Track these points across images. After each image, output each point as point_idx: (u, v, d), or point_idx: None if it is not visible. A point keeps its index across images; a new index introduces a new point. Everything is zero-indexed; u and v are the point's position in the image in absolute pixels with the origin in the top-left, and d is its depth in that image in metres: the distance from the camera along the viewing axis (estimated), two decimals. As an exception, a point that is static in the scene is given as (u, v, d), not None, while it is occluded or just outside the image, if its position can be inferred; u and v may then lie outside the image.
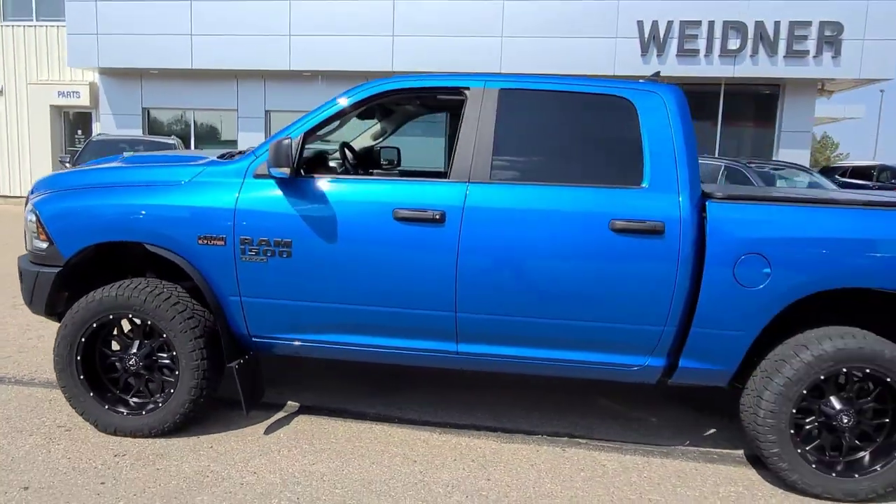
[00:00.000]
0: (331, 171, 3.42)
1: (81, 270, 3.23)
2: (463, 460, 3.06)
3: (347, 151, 3.82)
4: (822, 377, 2.78)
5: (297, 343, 3.14)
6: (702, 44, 12.22)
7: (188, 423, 3.17)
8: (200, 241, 3.02)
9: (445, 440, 3.26)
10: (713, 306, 2.84)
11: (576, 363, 2.99)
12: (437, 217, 2.89)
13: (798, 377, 2.78)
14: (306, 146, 3.06)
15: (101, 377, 3.17)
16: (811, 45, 12.04)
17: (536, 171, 3.01)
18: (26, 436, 3.11)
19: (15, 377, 3.88)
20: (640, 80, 3.11)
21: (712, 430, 3.54)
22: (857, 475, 2.84)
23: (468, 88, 3.05)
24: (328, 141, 3.83)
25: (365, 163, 4.33)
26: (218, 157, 3.30)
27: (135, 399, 3.18)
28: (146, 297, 3.01)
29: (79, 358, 3.09)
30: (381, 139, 4.44)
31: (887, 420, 2.84)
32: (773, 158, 12.89)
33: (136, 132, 15.35)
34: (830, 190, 8.64)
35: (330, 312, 3.05)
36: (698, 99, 13.39)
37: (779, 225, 2.81)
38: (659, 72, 3.37)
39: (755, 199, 2.92)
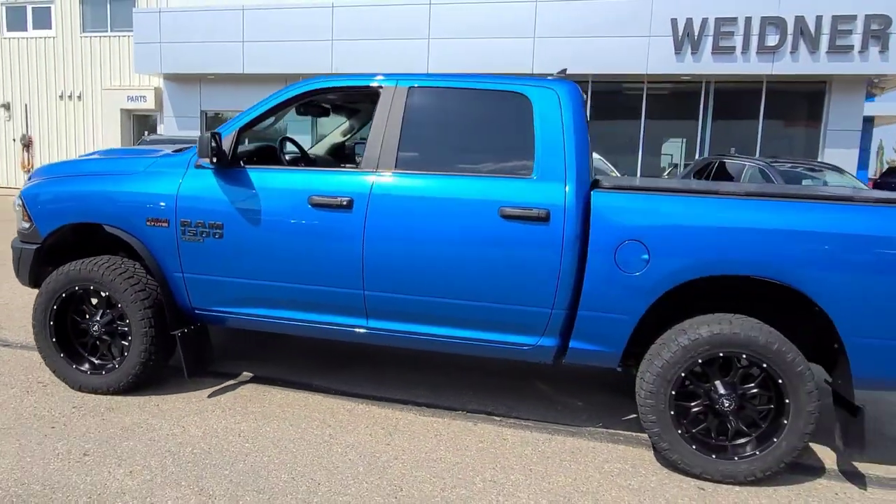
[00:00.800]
0: (276, 162, 3.78)
1: (62, 248, 3.72)
2: (374, 427, 3.33)
3: (291, 144, 4.17)
4: (699, 361, 2.89)
5: (231, 316, 3.51)
6: (738, 41, 11.91)
7: (143, 385, 3.59)
8: (148, 223, 3.44)
9: (368, 410, 3.55)
10: (597, 290, 3.00)
11: (473, 341, 3.21)
12: (345, 203, 3.18)
13: (675, 360, 2.90)
14: (243, 139, 3.44)
15: (71, 341, 3.65)
16: (856, 39, 11.51)
17: (438, 162, 3.25)
18: (8, 388, 3.62)
19: (20, 343, 4.46)
20: (548, 77, 3.30)
21: (632, 416, 3.66)
22: (736, 458, 2.93)
23: (381, 87, 3.33)
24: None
25: (336, 156, 4.70)
26: (173, 151, 3.73)
27: (98, 360, 3.63)
28: (104, 272, 3.45)
29: (51, 323, 3.57)
30: (349, 135, 4.79)
31: (770, 406, 2.92)
32: (819, 159, 12.39)
33: (195, 133, 16.40)
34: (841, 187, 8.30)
35: (257, 288, 3.39)
36: (736, 97, 13.07)
37: (656, 214, 2.94)
38: (565, 69, 3.52)
39: (637, 189, 3.05)
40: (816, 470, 3.12)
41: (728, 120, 13.11)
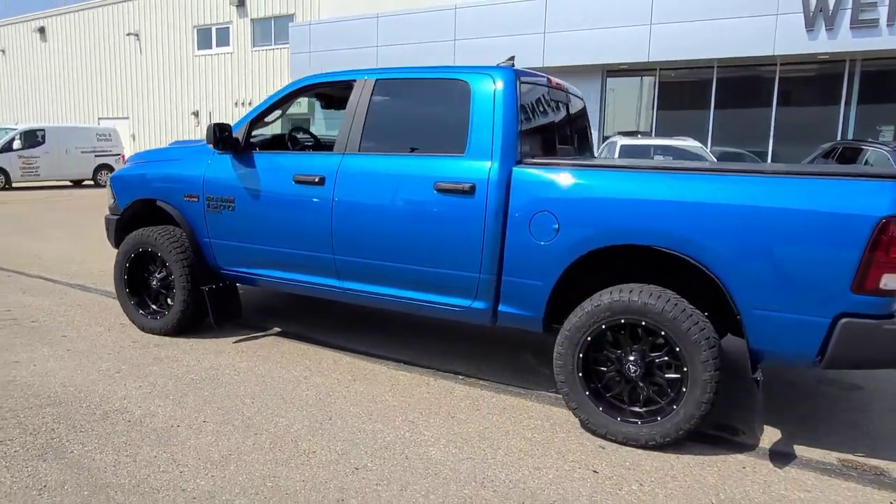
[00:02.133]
0: (286, 149, 4.46)
1: (138, 219, 4.73)
2: (345, 374, 3.87)
3: (303, 134, 4.82)
4: (603, 326, 3.05)
5: (244, 275, 4.25)
6: (882, 12, 10.55)
7: (186, 330, 4.45)
8: (185, 198, 4.30)
9: (351, 362, 4.10)
10: (516, 258, 3.26)
11: (421, 302, 3.61)
12: (317, 180, 3.76)
13: (580, 324, 3.09)
14: (255, 130, 4.16)
15: (140, 292, 4.64)
16: None
17: (392, 144, 3.69)
18: (96, 325, 4.71)
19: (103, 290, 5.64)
20: (497, 66, 3.60)
21: (592, 386, 3.81)
22: (639, 422, 3.04)
23: (355, 80, 3.85)
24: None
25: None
26: (211, 140, 4.58)
27: (156, 308, 4.59)
28: (157, 237, 4.37)
29: (125, 277, 4.59)
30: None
31: (673, 374, 2.98)
32: None
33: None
34: None
35: (257, 252, 4.10)
36: (878, 78, 11.56)
37: (563, 186, 3.13)
38: (513, 56, 3.74)
39: (552, 165, 3.24)
40: (742, 446, 3.10)
41: (878, 104, 11.61)
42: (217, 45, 21.36)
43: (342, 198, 3.69)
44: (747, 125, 13.15)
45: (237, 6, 20.66)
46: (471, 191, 3.31)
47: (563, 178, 3.16)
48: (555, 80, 3.95)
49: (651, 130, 14.19)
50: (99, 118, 25.31)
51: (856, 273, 2.60)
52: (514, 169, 3.27)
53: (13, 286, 5.90)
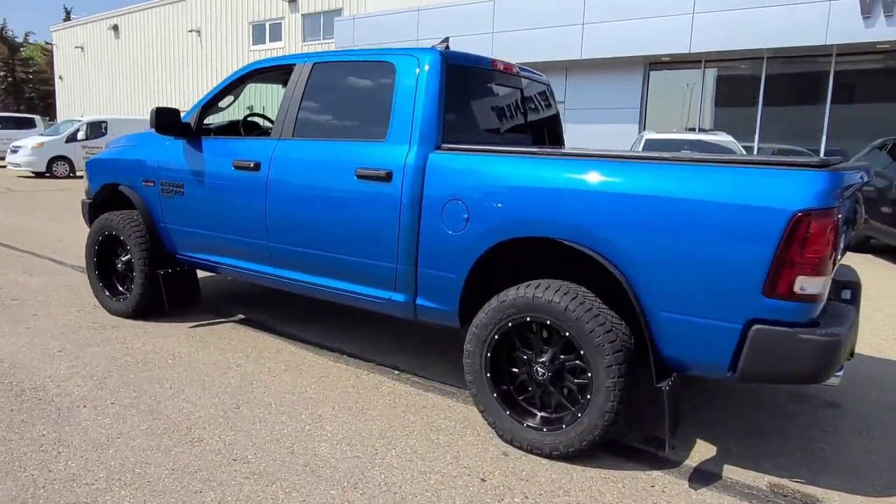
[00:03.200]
0: (237, 134, 4.43)
1: (111, 203, 4.82)
2: (279, 363, 3.81)
3: (259, 119, 4.77)
4: (510, 324, 2.84)
5: (194, 260, 4.26)
6: (950, -4, 9.57)
7: (147, 313, 4.51)
8: (143, 183, 4.34)
9: (294, 352, 4.03)
10: (430, 248, 3.09)
11: (345, 292, 3.49)
12: (253, 166, 3.69)
13: (487, 321, 2.89)
14: (210, 115, 4.15)
15: (110, 275, 4.73)
16: None
17: (321, 129, 3.58)
18: (67, 305, 4.84)
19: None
20: (426, 47, 3.42)
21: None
22: (545, 429, 2.81)
23: (295, 65, 3.76)
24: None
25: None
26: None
27: (121, 289, 4.67)
28: (119, 221, 4.44)
29: (95, 260, 4.68)
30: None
31: (582, 380, 2.74)
32: None
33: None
34: None
35: (203, 238, 4.09)
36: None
37: (473, 173, 2.93)
38: (448, 37, 3.54)
39: (464, 150, 3.04)
40: (664, 462, 2.82)
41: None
42: (270, 41, 21.92)
43: (274, 184, 3.61)
44: (799, 121, 12.28)
45: (289, 2, 21.15)
46: (387, 177, 3.16)
47: (473, 164, 2.96)
48: (504, 62, 3.74)
49: (696, 128, 13.49)
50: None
51: (767, 274, 2.29)
52: (431, 155, 3.10)
53: (18, 266, 6.17)
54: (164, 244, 4.39)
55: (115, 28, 27.82)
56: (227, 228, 3.93)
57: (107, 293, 4.67)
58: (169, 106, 4.20)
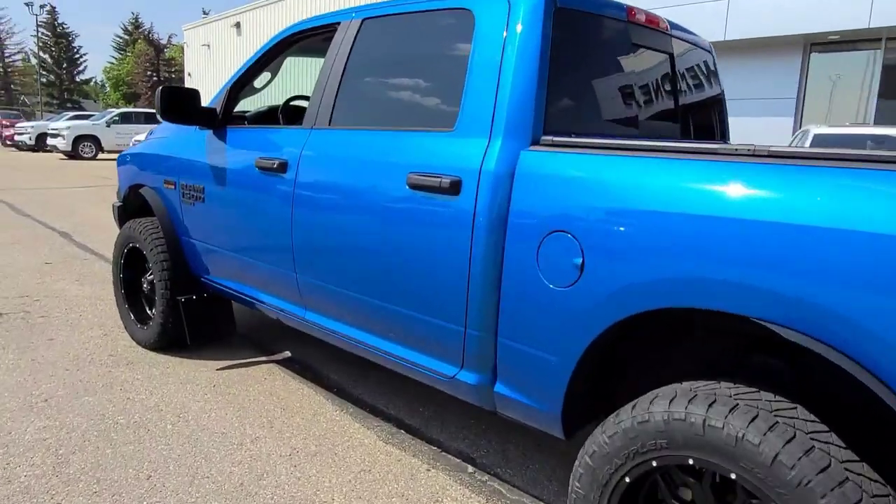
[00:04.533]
0: (274, 123, 3.38)
1: (144, 208, 4.01)
2: (308, 439, 2.74)
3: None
4: (653, 463, 1.56)
5: (217, 286, 3.29)
6: None
7: (170, 346, 3.63)
8: (165, 185, 3.43)
9: (334, 418, 2.95)
10: (517, 308, 1.87)
11: (391, 356, 2.34)
12: (277, 166, 2.63)
13: (611, 450, 1.62)
14: (243, 98, 3.16)
15: (138, 296, 3.90)
16: None
17: (366, 114, 2.45)
18: (97, 329, 4.07)
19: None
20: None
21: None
22: None
23: (338, 24, 2.65)
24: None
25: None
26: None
27: (149, 313, 3.81)
28: (141, 231, 3.58)
29: (121, 276, 3.87)
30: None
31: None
32: None
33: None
34: None
35: (221, 257, 3.12)
36: None
37: (599, 188, 1.67)
38: None
39: (582, 148, 1.77)
40: None
41: None
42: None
43: (302, 193, 2.54)
44: None
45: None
46: (452, 189, 1.97)
47: (596, 172, 1.70)
48: (648, 13, 2.41)
49: (869, 121, 11.13)
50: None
51: None
52: (524, 154, 1.87)
53: (77, 271, 5.61)
54: (188, 263, 3.47)
55: (238, 25, 28.59)
56: (247, 249, 2.92)
57: (132, 317, 3.84)
58: (187, 87, 3.27)
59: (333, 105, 2.51)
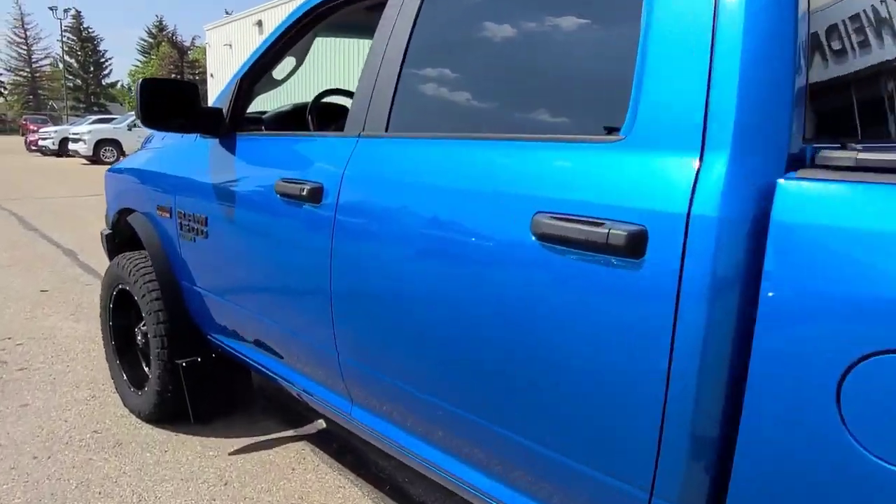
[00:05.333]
0: (303, 127, 2.50)
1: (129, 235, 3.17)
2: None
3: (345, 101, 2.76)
4: None
5: (227, 348, 2.44)
6: None
7: (168, 420, 2.80)
8: (159, 212, 2.59)
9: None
10: (783, 485, 0.96)
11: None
12: (306, 193, 1.75)
13: None
14: (252, 94, 2.30)
15: (133, 350, 3.08)
16: None
17: (457, 115, 1.56)
18: (85, 388, 3.26)
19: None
20: None
21: None
22: None
23: (392, -17, 1.76)
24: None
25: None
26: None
27: (144, 370, 2.99)
28: (131, 271, 2.75)
29: (111, 324, 3.06)
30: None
31: None
32: None
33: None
34: None
35: (230, 313, 2.27)
36: None
37: None
38: None
39: None
40: None
41: None
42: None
43: (347, 232, 1.66)
44: None
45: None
46: (628, 248, 1.07)
47: None
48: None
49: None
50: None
51: None
52: (785, 183, 0.97)
53: (74, 301, 4.82)
54: (190, 315, 2.63)
55: (259, 24, 27.95)
56: (265, 307, 2.06)
57: (124, 377, 3.02)
58: (181, 79, 2.42)
59: (392, 102, 1.63)
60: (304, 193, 1.75)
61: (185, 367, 2.58)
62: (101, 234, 3.27)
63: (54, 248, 6.81)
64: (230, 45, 30.45)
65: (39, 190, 12.75)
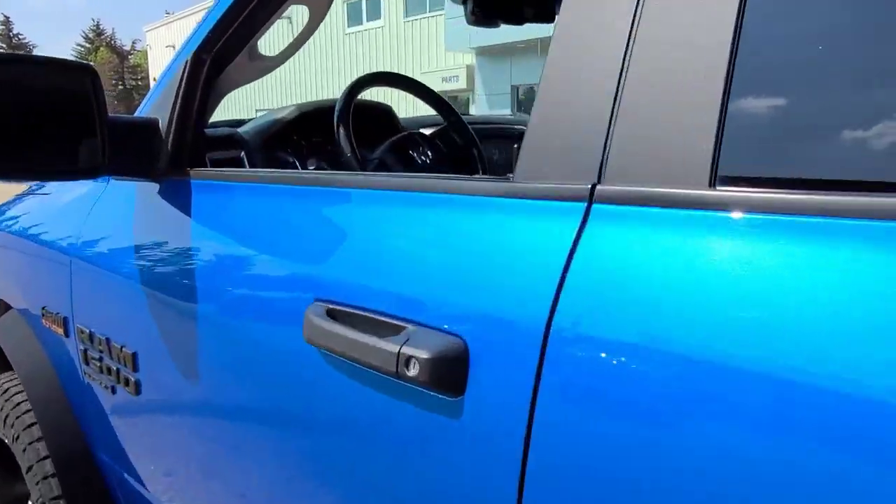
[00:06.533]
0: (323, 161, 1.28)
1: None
2: None
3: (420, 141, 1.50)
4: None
5: None
6: None
7: None
8: (45, 322, 1.36)
9: None
10: None
11: None
12: (421, 371, 0.58)
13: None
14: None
15: None
16: None
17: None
18: None
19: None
20: None
21: None
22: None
23: None
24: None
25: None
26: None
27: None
28: (5, 414, 1.52)
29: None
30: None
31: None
32: None
33: (506, 111, 15.15)
34: None
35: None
36: None
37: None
38: None
39: None
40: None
41: None
42: (368, 20, 19.11)
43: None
44: None
45: (390, -27, 18.34)
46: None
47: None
48: None
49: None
50: (256, 110, 24.55)
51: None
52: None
53: None
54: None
55: (205, 23, 26.34)
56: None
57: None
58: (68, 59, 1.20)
59: (718, 136, 0.47)
60: (416, 371, 0.57)
61: None
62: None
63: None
64: (173, 47, 28.64)
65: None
